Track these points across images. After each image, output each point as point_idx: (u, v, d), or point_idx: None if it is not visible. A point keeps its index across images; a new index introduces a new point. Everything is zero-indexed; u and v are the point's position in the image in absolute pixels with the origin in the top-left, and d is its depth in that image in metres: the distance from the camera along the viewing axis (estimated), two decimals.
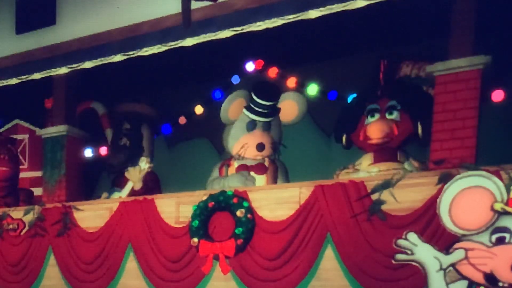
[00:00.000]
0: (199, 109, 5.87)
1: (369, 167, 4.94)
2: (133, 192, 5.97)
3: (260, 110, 5.53)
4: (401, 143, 4.93)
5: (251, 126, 5.56)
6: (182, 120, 5.95)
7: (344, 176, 4.93)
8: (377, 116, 4.96)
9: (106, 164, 6.42)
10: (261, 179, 5.46)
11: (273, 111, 5.52)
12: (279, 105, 5.52)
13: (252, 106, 5.54)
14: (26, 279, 6.07)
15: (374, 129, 4.92)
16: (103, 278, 5.63)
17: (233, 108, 5.62)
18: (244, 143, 5.54)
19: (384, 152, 4.92)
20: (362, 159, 5.05)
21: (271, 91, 5.50)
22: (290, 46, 5.59)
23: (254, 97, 5.51)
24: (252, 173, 5.50)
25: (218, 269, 5.03)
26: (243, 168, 5.54)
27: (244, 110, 5.57)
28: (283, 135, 5.71)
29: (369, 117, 4.99)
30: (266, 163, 5.51)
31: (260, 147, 5.49)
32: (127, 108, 6.42)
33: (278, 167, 5.52)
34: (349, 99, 5.27)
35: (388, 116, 4.93)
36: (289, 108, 5.49)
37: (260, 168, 5.50)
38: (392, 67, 5.08)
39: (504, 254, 3.88)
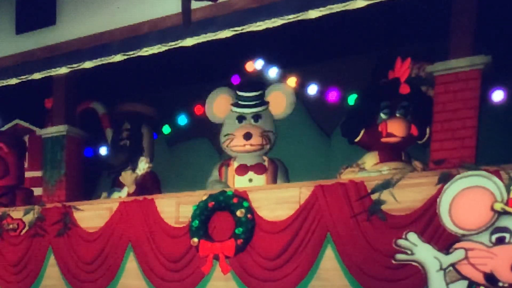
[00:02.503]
0: (199, 109, 5.87)
1: (376, 166, 4.91)
2: (128, 195, 5.99)
3: (246, 103, 5.56)
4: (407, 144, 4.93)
5: (241, 120, 5.59)
6: (182, 120, 5.94)
7: (348, 175, 4.91)
8: (388, 114, 4.95)
9: (106, 164, 6.42)
10: (260, 179, 5.46)
11: (260, 102, 5.54)
12: (268, 98, 5.54)
13: (238, 101, 5.59)
14: (26, 279, 6.08)
15: (397, 126, 4.86)
16: (103, 278, 5.63)
17: (217, 105, 5.65)
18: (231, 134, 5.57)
19: (390, 151, 4.91)
20: (365, 158, 5.02)
21: (254, 82, 5.54)
22: (290, 46, 5.59)
23: (239, 92, 5.57)
24: (251, 173, 5.50)
25: (218, 269, 5.03)
26: (243, 168, 5.54)
27: (232, 107, 5.60)
28: (284, 134, 5.72)
29: (381, 114, 4.97)
30: (266, 163, 5.51)
31: (247, 136, 5.46)
32: (128, 108, 6.42)
33: (278, 167, 5.52)
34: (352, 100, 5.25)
35: (398, 115, 4.91)
36: (278, 100, 5.49)
37: (259, 168, 5.50)
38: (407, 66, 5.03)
39: (504, 254, 3.88)
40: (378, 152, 4.97)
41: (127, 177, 6.00)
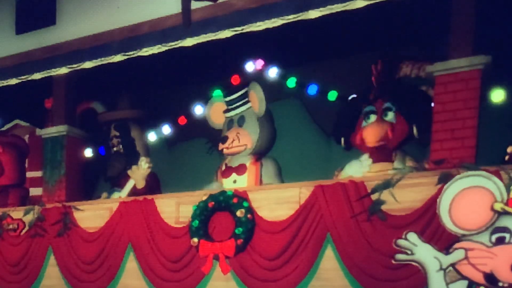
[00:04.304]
0: (199, 109, 5.90)
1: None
2: (134, 192, 5.97)
3: (231, 106, 5.66)
4: (398, 144, 4.94)
5: (230, 124, 5.68)
6: (182, 120, 5.95)
7: (341, 177, 4.96)
8: (373, 118, 4.99)
9: (105, 177, 6.42)
10: (242, 180, 5.49)
11: (242, 104, 5.61)
12: (249, 98, 5.61)
13: (227, 107, 5.68)
14: (26, 279, 6.08)
15: (370, 133, 4.95)
16: (103, 278, 5.63)
17: (214, 112, 5.80)
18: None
19: (380, 152, 4.94)
20: (361, 158, 5.07)
21: (235, 85, 5.64)
22: (290, 46, 5.58)
23: (225, 98, 5.68)
24: (234, 174, 5.54)
25: (218, 269, 5.03)
26: (228, 170, 5.62)
27: (224, 114, 5.73)
28: (284, 134, 5.73)
29: (365, 119, 5.02)
30: (248, 163, 5.52)
31: (223, 139, 5.59)
32: (110, 116, 6.42)
33: (262, 166, 5.53)
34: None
35: (384, 118, 4.94)
36: (253, 98, 5.53)
37: (241, 169, 5.55)
38: (389, 67, 5.07)
39: (504, 254, 3.88)
40: (369, 153, 5.02)
41: (138, 172, 5.97)
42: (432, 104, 4.59)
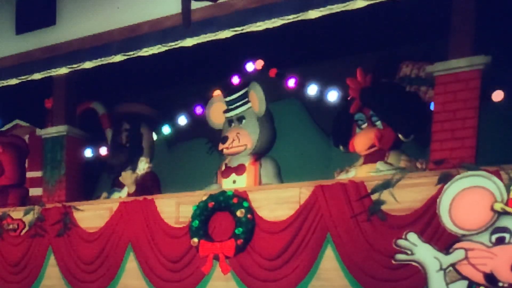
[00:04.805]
0: (199, 109, 5.90)
1: (362, 167, 5.01)
2: (128, 195, 5.99)
3: (231, 106, 5.67)
4: (390, 147, 4.96)
5: (229, 124, 5.70)
6: (182, 120, 5.96)
7: (339, 177, 4.98)
8: (364, 125, 5.04)
9: (106, 165, 6.43)
10: (242, 180, 5.50)
11: (242, 104, 5.62)
12: (249, 98, 5.62)
13: (227, 107, 5.68)
14: (26, 279, 6.08)
15: (358, 142, 5.03)
16: (103, 278, 5.64)
17: (214, 113, 5.81)
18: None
19: (373, 153, 4.96)
20: (359, 160, 5.11)
21: (235, 85, 5.68)
22: (290, 46, 5.59)
23: (225, 98, 5.69)
24: (234, 174, 5.54)
25: (218, 269, 5.03)
26: (227, 170, 5.64)
27: (224, 114, 5.73)
28: (284, 134, 5.74)
29: (358, 126, 5.08)
30: (247, 163, 5.53)
31: (223, 139, 5.61)
32: (127, 108, 6.44)
33: (261, 166, 5.54)
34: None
35: (375, 123, 4.99)
36: (253, 98, 5.54)
37: (240, 169, 5.56)
38: (372, 73, 5.10)
39: (504, 254, 3.88)
40: (364, 156, 5.07)
41: (127, 177, 6.00)
42: (421, 103, 4.64)
